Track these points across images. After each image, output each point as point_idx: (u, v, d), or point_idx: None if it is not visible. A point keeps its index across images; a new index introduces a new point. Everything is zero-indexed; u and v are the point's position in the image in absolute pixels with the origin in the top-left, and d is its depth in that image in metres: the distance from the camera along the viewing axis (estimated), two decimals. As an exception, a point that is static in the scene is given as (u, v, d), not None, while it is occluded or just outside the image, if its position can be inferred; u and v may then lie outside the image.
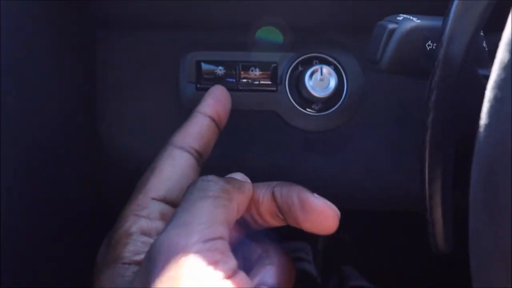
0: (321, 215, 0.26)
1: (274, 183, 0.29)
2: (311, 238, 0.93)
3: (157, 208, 0.28)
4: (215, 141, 0.34)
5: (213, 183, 0.26)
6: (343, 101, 0.43)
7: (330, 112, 0.43)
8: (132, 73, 0.42)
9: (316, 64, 0.43)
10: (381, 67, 0.30)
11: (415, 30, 0.29)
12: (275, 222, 0.29)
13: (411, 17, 0.30)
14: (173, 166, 0.29)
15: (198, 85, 0.42)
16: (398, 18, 0.30)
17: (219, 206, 0.25)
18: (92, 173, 0.43)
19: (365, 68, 0.44)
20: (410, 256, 0.69)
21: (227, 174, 0.41)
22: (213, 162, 0.41)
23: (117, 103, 0.42)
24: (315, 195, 0.27)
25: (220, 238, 0.23)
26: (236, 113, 0.42)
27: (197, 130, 0.32)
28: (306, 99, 0.42)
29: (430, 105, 0.25)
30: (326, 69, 0.42)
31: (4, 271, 0.28)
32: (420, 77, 0.31)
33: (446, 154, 0.26)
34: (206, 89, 0.42)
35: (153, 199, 0.29)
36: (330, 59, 0.43)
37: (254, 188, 0.29)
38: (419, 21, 0.29)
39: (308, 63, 0.43)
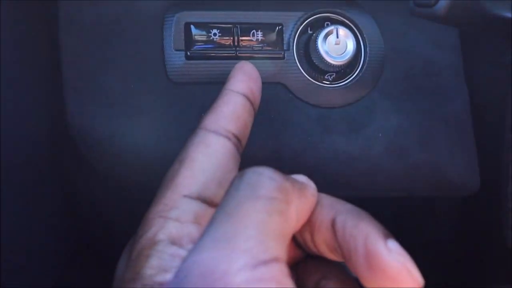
0: (392, 279, 0.18)
1: (339, 204, 0.21)
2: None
3: (190, 208, 0.22)
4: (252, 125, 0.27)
5: (267, 178, 0.19)
6: (361, 69, 0.36)
7: (347, 83, 0.36)
8: (105, 38, 0.33)
9: (328, 25, 0.36)
10: (437, 11, 0.23)
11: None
12: (333, 256, 0.21)
13: None
14: (208, 155, 0.23)
15: (188, 53, 0.34)
16: None
17: (273, 212, 0.18)
18: (66, 170, 0.35)
19: (384, 31, 0.37)
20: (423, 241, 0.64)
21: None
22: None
23: (87, 78, 0.33)
24: (390, 243, 0.18)
25: (275, 260, 0.17)
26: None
27: (232, 109, 0.25)
28: (319, 68, 0.35)
29: None
30: (342, 31, 0.35)
31: None
32: (480, 28, 0.24)
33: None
34: (198, 58, 0.34)
35: (185, 196, 0.22)
36: (345, 20, 0.36)
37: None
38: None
39: (318, 25, 0.36)
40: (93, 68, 0.33)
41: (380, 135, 0.34)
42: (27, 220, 0.33)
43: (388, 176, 0.35)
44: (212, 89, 0.34)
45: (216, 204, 0.22)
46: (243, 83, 0.27)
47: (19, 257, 0.30)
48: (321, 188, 0.34)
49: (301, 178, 0.22)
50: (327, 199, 0.22)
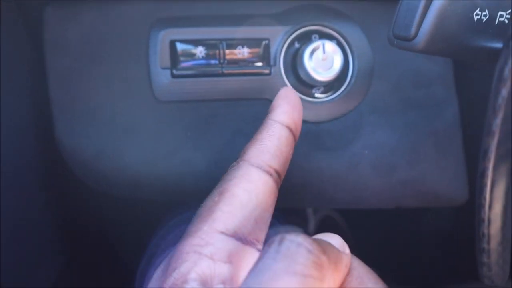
0: None
1: (368, 278, 0.21)
2: (302, 220, 0.88)
3: (224, 245, 0.21)
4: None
5: (305, 250, 0.18)
6: (349, 83, 0.36)
7: (335, 97, 0.36)
8: (90, 58, 0.33)
9: (315, 39, 0.35)
10: (416, 46, 0.22)
11: (462, -5, 0.22)
12: None
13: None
14: (250, 192, 0.22)
15: (174, 71, 0.34)
16: (437, -22, 0.23)
17: None
18: (57, 183, 0.35)
19: (373, 42, 0.36)
20: (404, 239, 0.65)
21: (212, 179, 0.34)
22: (198, 165, 0.34)
23: (73, 98, 0.33)
24: None
25: None
26: (221, 103, 0.35)
27: (276, 144, 0.25)
28: (305, 83, 0.35)
29: (498, 101, 0.18)
30: (329, 46, 0.34)
31: None
32: (463, 57, 0.24)
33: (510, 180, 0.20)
34: (184, 76, 0.34)
35: (221, 233, 0.21)
36: (332, 32, 0.36)
37: None
38: (466, -18, 0.22)
39: (306, 38, 0.36)
40: (80, 87, 0.33)
41: (366, 152, 0.34)
42: (21, 229, 0.34)
43: (374, 192, 0.35)
44: (198, 106, 0.34)
45: (249, 242, 0.22)
46: (288, 115, 0.26)
47: (17, 264, 0.30)
48: (306, 203, 0.34)
49: (336, 241, 0.22)
50: (358, 270, 0.21)
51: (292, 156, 0.34)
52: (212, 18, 0.34)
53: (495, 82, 0.18)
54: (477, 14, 0.22)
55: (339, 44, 0.36)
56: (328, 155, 0.34)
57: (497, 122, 0.18)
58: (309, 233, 0.90)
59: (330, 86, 0.36)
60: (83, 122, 0.33)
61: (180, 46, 0.34)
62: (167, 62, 0.34)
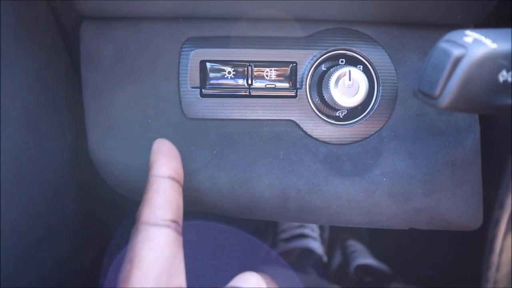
0: None
1: None
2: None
3: None
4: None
5: None
6: (372, 107, 0.37)
7: (357, 121, 0.36)
8: (123, 75, 0.35)
9: (342, 63, 0.36)
10: (440, 104, 0.23)
11: (489, 58, 0.22)
12: None
13: (484, 37, 0.23)
14: (155, 250, 0.24)
15: (203, 91, 0.35)
16: (465, 39, 0.23)
17: None
18: (86, 198, 0.38)
19: (398, 68, 0.37)
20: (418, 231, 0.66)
21: (233, 197, 0.36)
22: (219, 183, 0.35)
23: (106, 112, 0.35)
24: None
25: None
26: (247, 123, 0.36)
27: (164, 197, 0.27)
28: (330, 106, 0.36)
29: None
30: (355, 73, 0.35)
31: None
32: (486, 113, 0.24)
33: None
34: (212, 96, 0.35)
35: None
36: (359, 57, 0.36)
37: None
38: (494, 45, 0.22)
39: (333, 61, 0.36)
40: (112, 101, 0.35)
41: (384, 179, 0.35)
42: (49, 232, 0.37)
43: (389, 217, 0.36)
44: (225, 125, 0.36)
45: None
46: (166, 166, 0.28)
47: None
48: (322, 221, 0.36)
49: (251, 281, 0.24)
50: None
51: (313, 178, 0.36)
52: (242, 39, 0.35)
53: None
54: (502, 75, 0.23)
55: (365, 69, 0.36)
56: (347, 181, 0.36)
57: None
58: (323, 226, 0.91)
59: (354, 110, 0.37)
60: (115, 135, 0.35)
61: (209, 66, 0.35)
62: (196, 81, 0.35)
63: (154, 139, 0.35)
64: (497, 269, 0.21)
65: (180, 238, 0.26)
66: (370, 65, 0.36)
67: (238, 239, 0.55)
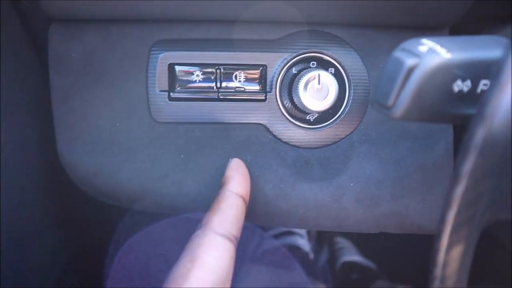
0: None
1: None
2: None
3: None
4: None
5: None
6: (343, 111, 0.36)
7: (328, 125, 0.36)
8: (92, 78, 0.35)
9: (313, 66, 0.36)
10: (394, 114, 0.23)
11: (443, 68, 0.22)
12: None
13: (439, 46, 0.22)
14: (217, 258, 0.26)
15: (171, 94, 0.35)
16: (421, 47, 0.23)
17: None
18: (54, 199, 0.38)
19: (371, 71, 0.36)
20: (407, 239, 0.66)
21: (200, 202, 0.35)
22: (186, 188, 0.35)
23: (75, 116, 0.35)
24: None
25: None
26: (216, 127, 0.36)
27: (235, 213, 0.29)
28: (300, 110, 0.36)
29: (462, 171, 0.18)
30: (325, 76, 0.34)
31: None
32: (441, 122, 0.24)
33: (469, 243, 0.20)
34: (181, 100, 0.35)
35: None
36: (331, 59, 0.36)
37: None
38: (448, 54, 0.22)
39: (304, 65, 0.36)
40: (81, 105, 0.35)
41: (351, 184, 0.35)
42: (24, 232, 0.37)
43: (357, 221, 0.36)
44: (193, 129, 0.35)
45: None
46: (242, 187, 0.30)
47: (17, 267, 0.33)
48: (291, 225, 0.36)
49: None
50: None
51: (280, 183, 0.35)
52: (211, 42, 0.35)
53: (460, 153, 0.19)
54: (458, 85, 0.23)
55: (337, 72, 0.36)
56: (314, 186, 0.35)
57: (459, 191, 0.19)
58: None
59: (325, 113, 0.36)
60: (84, 139, 0.35)
61: (178, 70, 0.35)
62: (165, 84, 0.35)
63: (122, 143, 0.35)
64: (441, 281, 0.21)
65: (235, 255, 0.28)
66: (342, 68, 0.36)
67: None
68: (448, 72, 0.22)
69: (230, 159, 0.32)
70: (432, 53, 0.22)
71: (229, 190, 0.30)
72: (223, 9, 0.33)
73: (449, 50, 0.22)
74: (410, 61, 0.22)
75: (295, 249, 0.83)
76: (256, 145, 0.36)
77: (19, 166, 0.35)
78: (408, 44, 0.23)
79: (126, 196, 0.36)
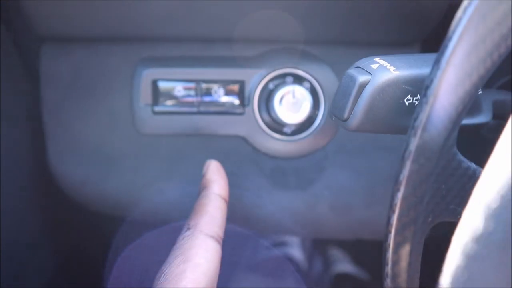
0: None
1: None
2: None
3: None
4: None
5: None
6: (318, 124, 0.38)
7: (304, 136, 0.38)
8: (80, 93, 0.37)
9: (288, 82, 0.38)
10: (349, 126, 0.25)
11: (391, 84, 0.24)
12: None
13: (388, 64, 0.24)
14: (208, 260, 0.27)
15: (155, 108, 0.37)
16: (372, 65, 0.25)
17: None
18: (45, 209, 0.40)
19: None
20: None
21: (181, 208, 0.37)
22: (168, 195, 0.37)
23: (65, 128, 0.37)
24: None
25: None
26: (197, 139, 0.38)
27: (221, 215, 0.30)
28: (277, 122, 0.38)
29: (400, 178, 0.20)
30: (299, 91, 0.37)
31: None
32: (396, 133, 0.26)
33: (415, 243, 0.22)
34: (163, 113, 0.37)
35: None
36: (306, 75, 0.38)
37: None
38: (397, 72, 0.24)
39: (280, 81, 0.38)
40: (70, 118, 0.37)
41: (325, 193, 0.37)
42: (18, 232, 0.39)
43: (332, 228, 0.38)
44: (176, 140, 0.38)
45: None
46: (225, 189, 0.31)
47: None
48: (267, 231, 0.38)
49: None
50: None
51: (257, 192, 0.37)
52: (193, 59, 0.37)
53: (400, 160, 0.20)
54: (408, 99, 0.24)
55: (312, 87, 0.38)
56: (290, 194, 0.37)
57: (399, 196, 0.20)
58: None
59: (301, 125, 0.38)
60: (72, 150, 0.37)
61: (161, 85, 0.37)
62: (148, 99, 0.37)
63: (108, 153, 0.37)
64: (392, 279, 0.22)
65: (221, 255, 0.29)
66: (317, 81, 0.38)
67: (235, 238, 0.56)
68: (398, 87, 0.24)
69: (208, 161, 0.32)
70: (382, 69, 0.24)
71: (214, 193, 0.30)
72: (203, 29, 0.35)
73: (397, 68, 0.24)
74: (362, 78, 0.24)
75: (288, 260, 0.84)
76: (235, 156, 0.38)
77: (12, 175, 0.37)
78: (361, 62, 0.25)
79: (112, 204, 0.38)
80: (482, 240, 0.13)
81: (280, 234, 0.38)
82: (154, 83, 0.37)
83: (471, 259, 0.13)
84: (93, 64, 0.37)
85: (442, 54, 0.18)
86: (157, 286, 0.26)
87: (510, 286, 0.12)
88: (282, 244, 0.87)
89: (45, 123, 0.37)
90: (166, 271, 0.26)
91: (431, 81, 0.18)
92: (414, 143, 0.19)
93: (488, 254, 0.13)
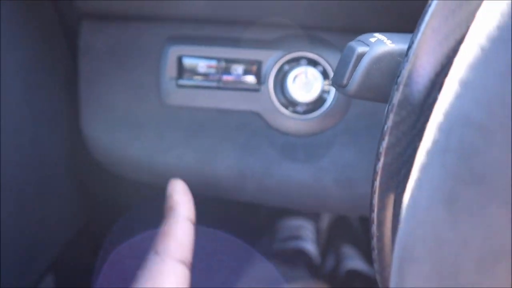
0: None
1: None
2: (315, 216, 0.93)
3: None
4: None
5: None
6: (329, 105, 0.41)
7: (314, 115, 0.41)
8: (113, 65, 0.41)
9: (303, 64, 0.41)
10: (348, 92, 0.28)
11: (386, 55, 0.27)
12: None
13: (386, 39, 0.27)
14: (177, 285, 0.27)
15: (179, 82, 0.41)
16: (371, 39, 0.27)
17: None
18: (76, 167, 0.44)
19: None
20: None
21: (197, 175, 0.41)
22: (187, 162, 0.41)
23: (98, 96, 0.41)
24: None
25: None
26: (216, 112, 0.41)
27: (189, 240, 0.29)
28: (291, 101, 0.41)
29: (385, 129, 0.23)
30: (311, 72, 0.40)
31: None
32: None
33: (400, 192, 0.24)
34: (187, 87, 0.41)
35: None
36: (319, 59, 0.41)
37: None
38: (392, 45, 0.27)
39: (295, 63, 0.41)
40: (103, 88, 0.41)
41: (331, 167, 0.40)
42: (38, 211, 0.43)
43: (337, 201, 0.40)
44: (196, 112, 0.41)
45: None
46: (191, 211, 0.30)
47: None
48: (274, 203, 0.40)
49: None
50: None
51: (267, 162, 0.40)
52: (215, 39, 0.41)
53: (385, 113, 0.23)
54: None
55: (324, 70, 0.41)
56: (298, 166, 0.40)
57: (383, 145, 0.23)
58: (321, 229, 0.95)
59: (313, 105, 0.41)
60: (103, 116, 0.41)
61: (185, 61, 0.41)
62: (173, 73, 0.41)
63: (135, 121, 0.41)
64: (378, 239, 0.24)
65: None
66: (329, 66, 0.41)
67: (228, 244, 0.56)
68: (393, 59, 0.27)
69: (171, 181, 0.31)
70: (379, 42, 0.27)
71: (181, 216, 0.29)
72: (226, 11, 0.39)
73: (393, 42, 0.27)
74: (360, 49, 0.27)
75: (301, 253, 0.86)
76: (249, 129, 0.41)
77: (50, 134, 0.41)
78: (362, 36, 0.28)
79: (134, 167, 0.41)
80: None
81: (288, 205, 0.41)
82: (179, 59, 0.41)
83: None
84: (125, 40, 0.41)
85: (422, 19, 0.21)
86: None
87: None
88: (297, 238, 0.89)
89: (80, 91, 0.41)
90: None
91: (412, 42, 0.21)
92: (396, 97, 0.22)
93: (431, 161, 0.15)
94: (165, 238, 0.28)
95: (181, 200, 0.30)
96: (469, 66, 0.13)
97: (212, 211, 0.71)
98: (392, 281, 0.18)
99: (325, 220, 0.97)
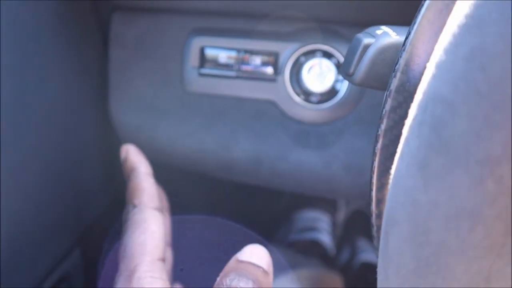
0: None
1: None
2: (333, 208, 0.95)
3: (162, 267, 0.30)
4: None
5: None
6: (342, 96, 0.43)
7: (327, 105, 0.43)
8: (141, 54, 0.44)
9: (318, 56, 0.43)
10: (354, 80, 0.30)
11: (391, 47, 0.29)
12: None
13: (391, 31, 0.29)
14: (160, 228, 0.31)
15: (201, 71, 0.44)
16: (377, 31, 0.29)
17: None
18: (104, 150, 0.47)
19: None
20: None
21: (215, 158, 0.43)
22: (206, 145, 0.43)
23: (126, 83, 0.45)
24: None
25: None
26: (234, 100, 0.44)
27: (155, 189, 0.33)
28: (305, 91, 0.43)
29: (383, 113, 0.25)
30: (325, 64, 0.42)
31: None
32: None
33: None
34: (208, 75, 0.44)
35: (158, 260, 0.30)
36: (334, 51, 0.43)
37: None
38: (397, 37, 0.29)
39: (310, 55, 0.43)
40: (131, 75, 0.44)
41: (341, 154, 0.42)
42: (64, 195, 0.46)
43: (346, 187, 0.43)
44: (216, 99, 0.44)
45: (164, 259, 0.30)
46: (149, 167, 0.35)
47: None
48: (286, 187, 0.43)
49: (257, 256, 0.30)
50: None
51: (281, 148, 0.43)
52: (236, 32, 0.43)
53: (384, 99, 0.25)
54: (405, 61, 0.29)
55: (338, 63, 0.43)
56: (310, 152, 0.42)
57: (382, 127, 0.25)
58: (337, 222, 0.96)
59: (326, 96, 0.43)
60: (130, 101, 0.44)
61: (207, 51, 0.43)
62: (196, 63, 0.43)
63: (159, 107, 0.44)
64: (377, 216, 0.26)
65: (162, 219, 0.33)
66: (343, 57, 0.43)
67: (240, 235, 0.58)
68: (397, 50, 0.29)
69: (125, 145, 0.36)
70: (384, 35, 0.29)
71: (143, 172, 0.34)
72: (246, 5, 0.42)
73: (398, 34, 0.29)
74: (366, 40, 0.29)
75: (316, 244, 0.89)
76: (265, 117, 0.43)
77: (79, 117, 0.45)
78: (370, 29, 0.30)
79: (158, 151, 0.44)
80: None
81: (299, 190, 0.43)
82: (202, 50, 0.43)
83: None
84: (152, 31, 0.44)
85: (419, 11, 0.23)
86: (123, 258, 0.29)
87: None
88: (313, 229, 0.92)
89: (110, 78, 0.45)
90: (129, 244, 0.30)
91: (409, 33, 0.23)
92: (394, 84, 0.24)
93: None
94: (136, 193, 0.32)
95: (138, 159, 0.35)
96: (443, 50, 0.15)
97: (233, 199, 0.74)
98: (381, 244, 0.20)
99: (342, 214, 0.99)
